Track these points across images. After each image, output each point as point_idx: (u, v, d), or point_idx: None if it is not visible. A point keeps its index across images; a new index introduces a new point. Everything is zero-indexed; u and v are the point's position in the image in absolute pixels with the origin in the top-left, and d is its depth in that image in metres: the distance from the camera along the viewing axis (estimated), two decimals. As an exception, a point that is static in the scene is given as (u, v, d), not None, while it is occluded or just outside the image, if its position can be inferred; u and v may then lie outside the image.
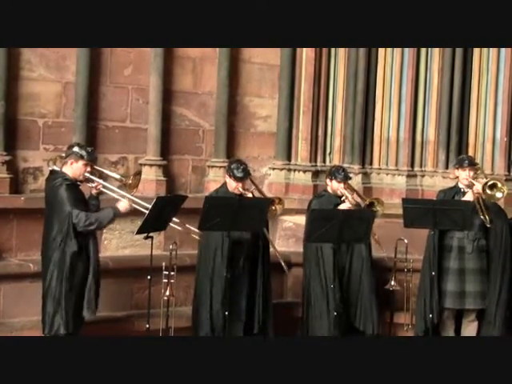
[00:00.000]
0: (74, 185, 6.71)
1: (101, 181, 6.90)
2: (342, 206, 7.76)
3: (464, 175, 7.81)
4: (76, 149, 6.77)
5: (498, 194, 7.62)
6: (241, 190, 7.55)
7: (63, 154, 6.93)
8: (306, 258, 7.97)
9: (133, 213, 7.31)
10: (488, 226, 7.66)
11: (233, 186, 7.58)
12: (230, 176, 7.59)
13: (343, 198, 7.83)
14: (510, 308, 7.86)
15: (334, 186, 7.91)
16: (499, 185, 7.61)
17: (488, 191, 7.59)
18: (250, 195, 7.57)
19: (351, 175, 8.38)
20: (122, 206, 6.84)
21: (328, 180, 8.00)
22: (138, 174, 7.20)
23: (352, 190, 8.04)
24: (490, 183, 7.62)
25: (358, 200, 7.99)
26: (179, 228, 7.27)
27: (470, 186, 7.70)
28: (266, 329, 7.66)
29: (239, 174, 7.54)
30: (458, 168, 7.91)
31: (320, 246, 7.70)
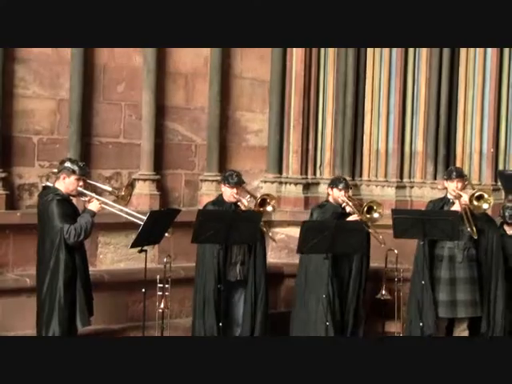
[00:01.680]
0: (65, 200, 6.75)
1: (94, 194, 6.93)
2: (351, 218, 7.84)
3: (452, 186, 7.89)
4: (68, 164, 6.81)
5: (485, 205, 7.68)
6: (235, 196, 7.67)
7: (55, 170, 6.98)
8: (301, 268, 7.99)
9: (127, 227, 7.39)
10: (475, 237, 7.74)
11: (228, 193, 7.72)
12: (224, 184, 7.74)
13: (343, 204, 7.95)
14: (506, 318, 7.89)
15: (336, 194, 8.00)
16: (486, 196, 7.67)
17: (475, 202, 7.67)
18: (245, 202, 7.67)
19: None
20: (94, 206, 6.81)
21: (329, 189, 8.10)
22: (130, 185, 7.27)
23: (352, 199, 8.13)
24: (476, 194, 7.72)
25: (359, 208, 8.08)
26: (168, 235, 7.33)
27: (458, 197, 7.80)
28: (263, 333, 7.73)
29: (233, 180, 7.70)
30: (446, 179, 8.01)
31: (317, 256, 7.70)
